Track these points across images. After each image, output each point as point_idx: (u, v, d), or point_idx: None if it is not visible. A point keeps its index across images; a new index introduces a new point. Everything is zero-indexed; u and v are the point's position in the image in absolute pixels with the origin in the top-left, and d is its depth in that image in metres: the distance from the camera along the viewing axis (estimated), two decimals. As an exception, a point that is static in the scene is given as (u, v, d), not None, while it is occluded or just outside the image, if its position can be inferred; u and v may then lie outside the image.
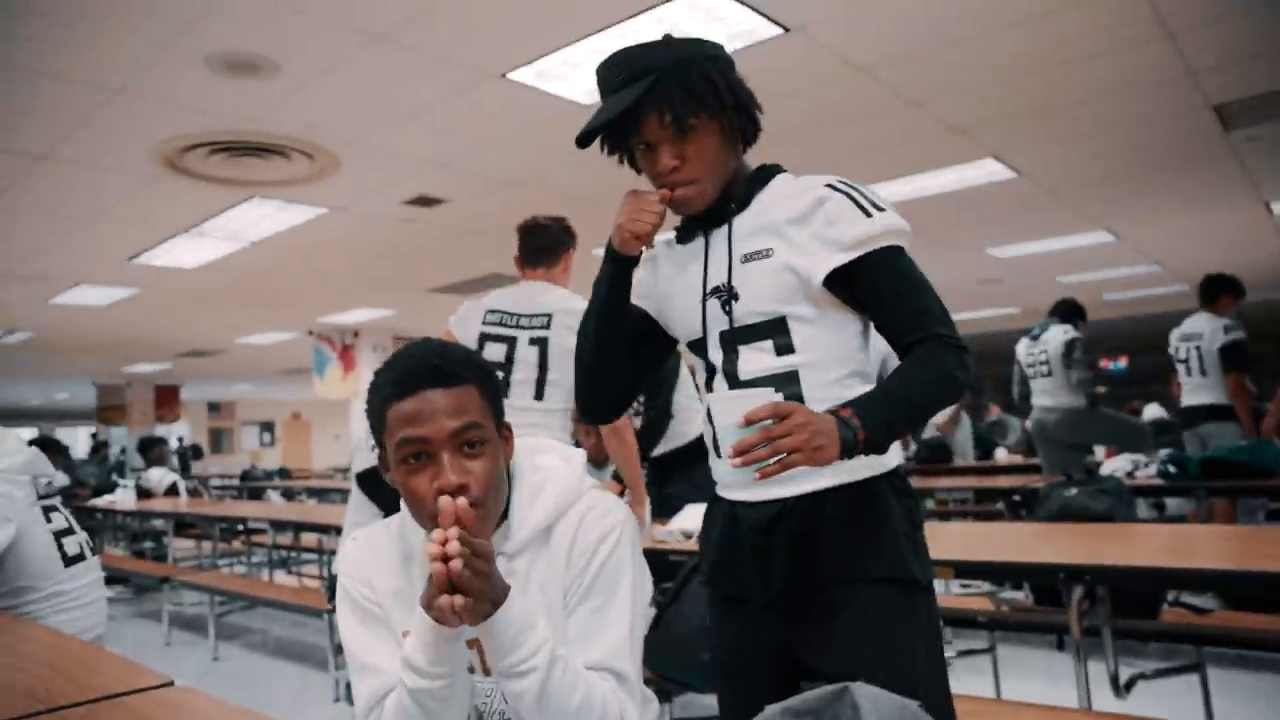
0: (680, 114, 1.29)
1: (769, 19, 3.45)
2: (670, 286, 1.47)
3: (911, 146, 5.15)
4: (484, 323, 2.86)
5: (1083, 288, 9.93)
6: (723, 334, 1.36)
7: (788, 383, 1.31)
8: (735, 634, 1.40)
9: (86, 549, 2.74)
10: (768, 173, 1.41)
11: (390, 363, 1.20)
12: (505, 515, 1.23)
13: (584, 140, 1.33)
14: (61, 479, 8.12)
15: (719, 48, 1.35)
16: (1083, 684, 2.34)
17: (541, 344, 2.77)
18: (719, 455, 1.37)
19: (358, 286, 8.64)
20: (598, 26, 3.45)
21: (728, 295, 1.34)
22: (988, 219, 6.98)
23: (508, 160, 5.05)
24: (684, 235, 1.46)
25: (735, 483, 1.37)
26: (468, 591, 1.02)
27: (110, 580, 7.06)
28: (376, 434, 1.20)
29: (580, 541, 1.23)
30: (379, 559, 1.29)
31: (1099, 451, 5.47)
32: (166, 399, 16.56)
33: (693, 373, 1.57)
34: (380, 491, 2.98)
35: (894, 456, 1.34)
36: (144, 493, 7.79)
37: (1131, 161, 5.65)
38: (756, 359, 1.33)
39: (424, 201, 5.76)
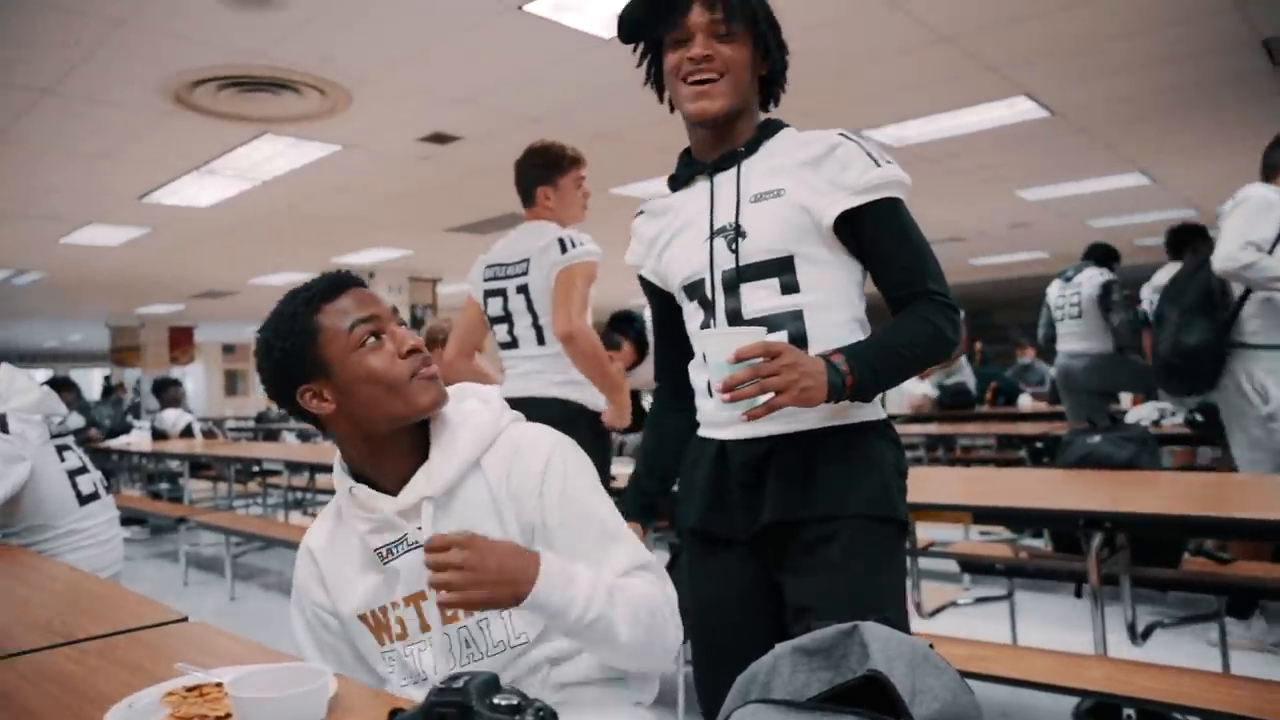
0: (731, 11, 1.32)
1: (794, -53, 3.36)
2: (666, 233, 1.48)
3: (943, 83, 5.04)
4: (484, 279, 2.87)
5: (1115, 233, 9.78)
6: (726, 273, 1.37)
7: (793, 320, 1.34)
8: (716, 575, 1.43)
9: (101, 488, 2.80)
10: (774, 126, 1.44)
11: (304, 285, 1.24)
12: (425, 458, 1.25)
13: (626, 25, 1.39)
14: (76, 420, 8.25)
15: None
16: (1099, 630, 2.35)
17: (525, 291, 2.76)
18: (710, 394, 1.40)
19: (373, 226, 8.63)
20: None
21: (735, 234, 1.36)
22: (1019, 160, 6.87)
23: (525, 96, 4.99)
24: (679, 182, 1.47)
25: (725, 420, 1.38)
26: (465, 595, 1.06)
27: (127, 521, 7.25)
28: (296, 358, 1.20)
29: (520, 476, 1.23)
30: (330, 559, 1.32)
31: (1125, 399, 5.45)
32: (180, 340, 16.71)
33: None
34: None
35: (879, 410, 1.39)
36: (159, 434, 7.90)
37: (1171, 99, 5.52)
38: (761, 298, 1.35)
39: (440, 139, 5.72)
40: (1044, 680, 2.02)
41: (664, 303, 1.56)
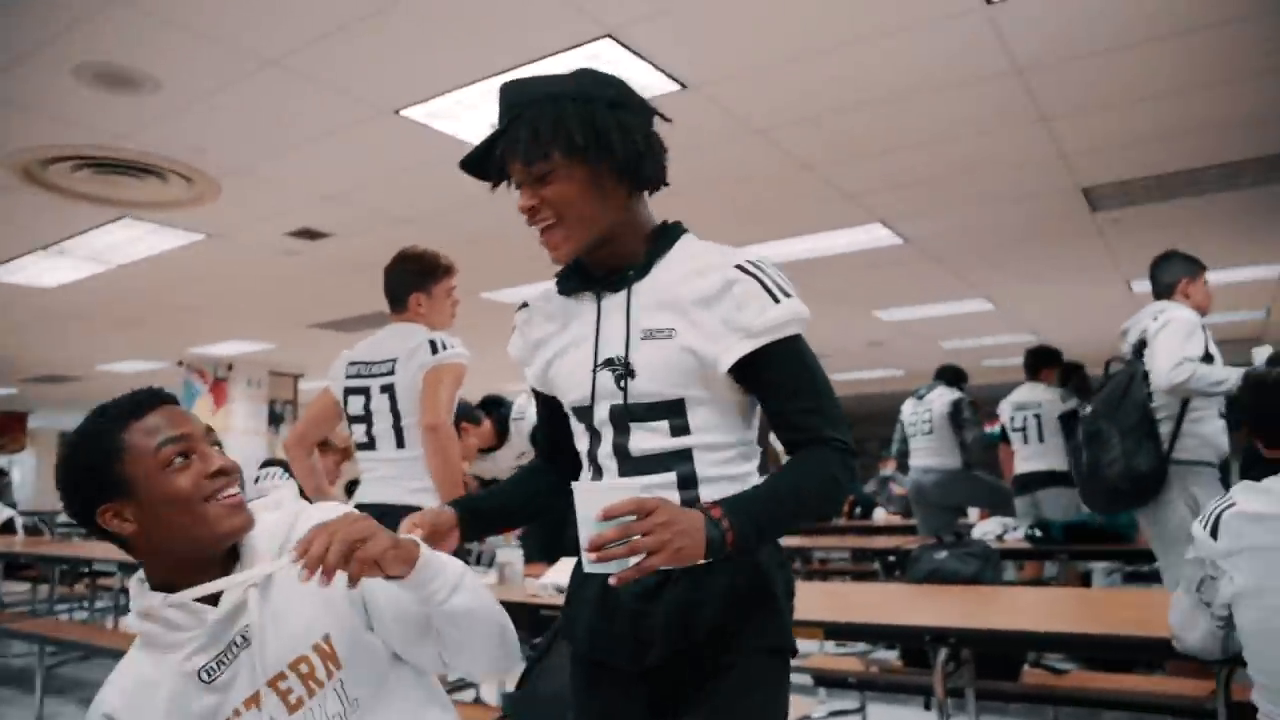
0: (527, 157, 1.25)
1: (667, 74, 3.55)
2: (553, 342, 1.42)
3: (803, 208, 5.35)
4: (346, 376, 2.84)
5: (964, 353, 10.40)
6: (614, 408, 1.32)
7: (680, 461, 1.30)
8: (604, 702, 1.39)
9: None
10: (671, 234, 1.36)
11: (113, 401, 1.22)
12: (237, 559, 1.26)
13: (469, 171, 1.36)
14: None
15: (609, 85, 1.29)
16: (945, 746, 2.41)
17: (389, 390, 2.75)
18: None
19: (235, 318, 8.35)
20: (491, 71, 3.49)
21: (624, 371, 1.30)
22: (875, 282, 7.27)
23: (397, 197, 5.01)
24: (567, 286, 1.40)
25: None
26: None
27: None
28: (97, 476, 1.17)
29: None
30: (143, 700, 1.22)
31: (973, 514, 5.73)
32: (9, 426, 15.58)
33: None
34: None
35: None
36: (-25, 529, 7.23)
37: (1008, 234, 6.00)
38: (649, 438, 1.31)
39: (308, 234, 5.64)
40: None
41: (549, 404, 1.50)
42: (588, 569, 1.13)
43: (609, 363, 1.32)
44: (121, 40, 3.21)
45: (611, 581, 1.09)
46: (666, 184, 1.35)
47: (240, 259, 6.18)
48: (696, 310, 1.27)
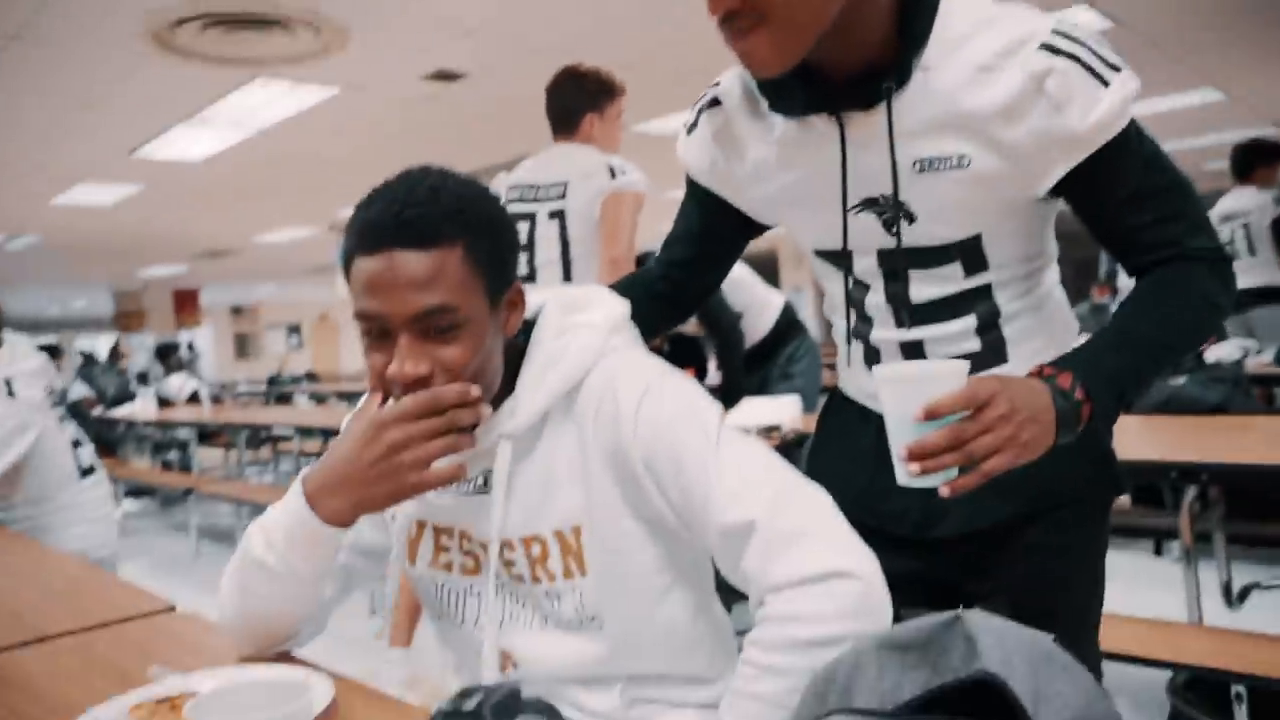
0: None
1: None
2: (773, 173, 1.13)
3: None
4: (506, 201, 2.74)
5: (1184, 155, 9.48)
6: (886, 255, 1.10)
7: (978, 300, 1.11)
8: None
9: (97, 462, 2.77)
10: (926, 6, 0.98)
11: (366, 200, 1.02)
12: (512, 390, 1.05)
13: None
14: (80, 389, 8.29)
15: None
16: (1194, 594, 2.22)
17: (559, 217, 2.64)
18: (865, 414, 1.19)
19: (379, 174, 8.43)
20: None
21: (895, 213, 1.05)
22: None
23: (537, 25, 4.79)
24: (786, 105, 1.06)
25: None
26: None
27: (135, 493, 7.31)
28: (346, 281, 1.01)
29: (610, 417, 1.00)
30: None
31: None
32: (185, 303, 16.82)
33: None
34: None
35: None
36: (165, 401, 7.91)
37: (1247, 4, 5.24)
38: (936, 284, 1.10)
39: (445, 76, 5.55)
40: (1137, 654, 1.89)
41: (714, 209, 1.25)
42: (904, 481, 0.90)
43: (872, 203, 1.07)
44: None
45: (944, 492, 0.89)
46: None
47: (378, 111, 6.20)
48: (996, 126, 0.97)
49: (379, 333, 0.95)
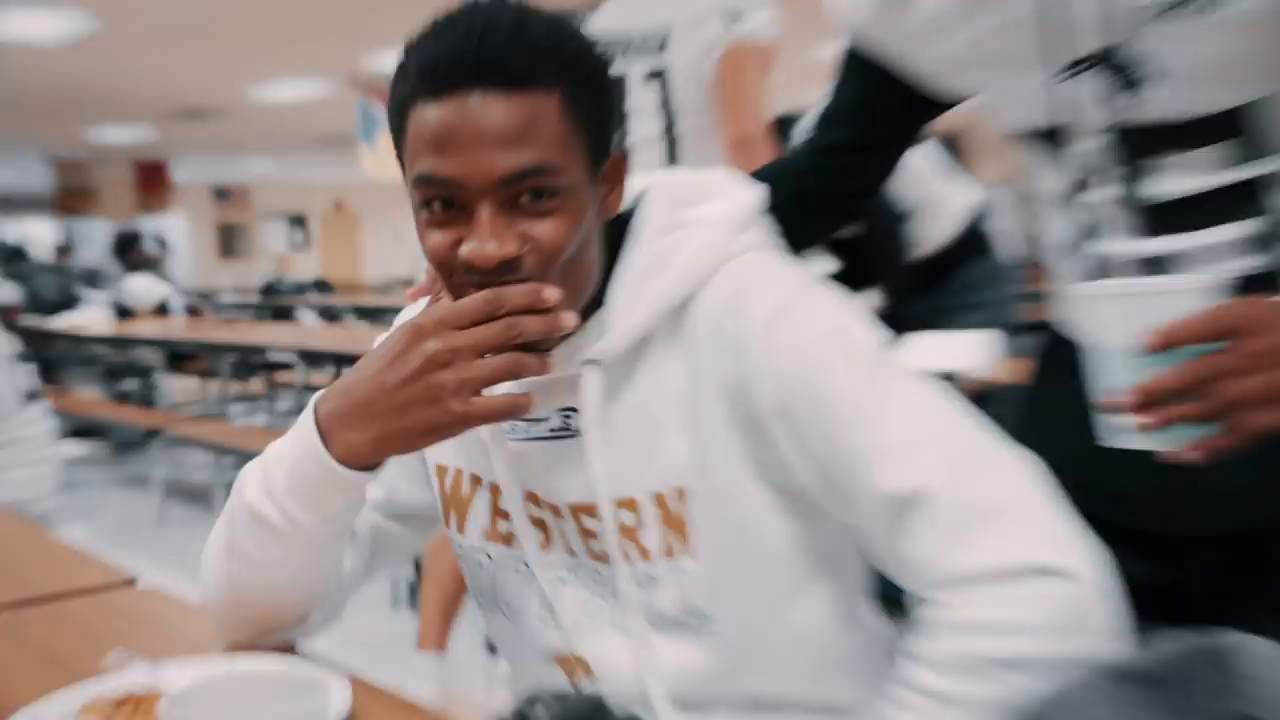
0: None
1: None
2: (952, 23, 1.17)
3: None
4: None
5: None
6: (1113, 136, 1.10)
7: (1246, 202, 1.08)
8: None
9: (39, 387, 2.86)
10: None
11: (427, 31, 1.03)
12: (601, 303, 1.06)
13: None
14: (6, 291, 8.47)
15: None
16: None
17: (660, 78, 2.64)
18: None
19: (422, 10, 8.52)
20: None
21: (1125, 75, 1.06)
22: None
23: None
24: None
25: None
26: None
27: (81, 432, 7.48)
28: (396, 142, 1.03)
29: (732, 342, 1.01)
30: None
31: None
32: (151, 180, 17.21)
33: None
34: None
35: None
36: (123, 311, 8.08)
37: None
38: (1185, 176, 1.08)
39: None
40: None
41: (879, 77, 1.28)
42: (1116, 441, 0.89)
43: (1088, 61, 1.08)
44: None
45: (1188, 457, 0.86)
46: None
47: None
48: None
49: (446, 204, 0.96)
